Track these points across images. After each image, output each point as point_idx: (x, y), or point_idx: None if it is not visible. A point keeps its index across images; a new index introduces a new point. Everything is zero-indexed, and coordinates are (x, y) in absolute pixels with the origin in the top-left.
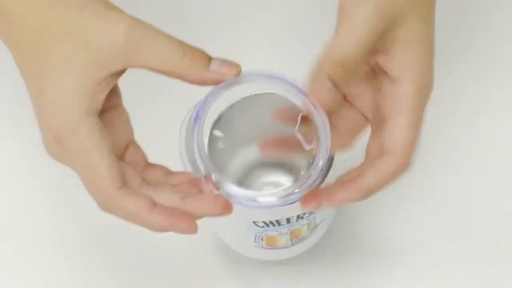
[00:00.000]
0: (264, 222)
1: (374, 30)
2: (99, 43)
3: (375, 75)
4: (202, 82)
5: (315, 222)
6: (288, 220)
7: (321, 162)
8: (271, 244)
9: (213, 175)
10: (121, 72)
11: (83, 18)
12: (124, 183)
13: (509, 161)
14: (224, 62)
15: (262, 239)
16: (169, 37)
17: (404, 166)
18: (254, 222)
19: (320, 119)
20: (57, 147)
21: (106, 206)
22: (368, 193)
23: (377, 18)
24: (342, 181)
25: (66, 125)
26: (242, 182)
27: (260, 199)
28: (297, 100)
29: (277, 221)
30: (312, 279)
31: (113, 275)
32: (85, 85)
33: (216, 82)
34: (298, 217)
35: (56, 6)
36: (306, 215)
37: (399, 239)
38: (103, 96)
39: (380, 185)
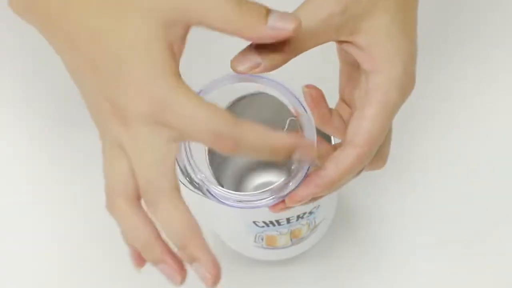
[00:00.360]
0: (264, 222)
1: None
2: (161, 5)
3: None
4: (259, 39)
5: (315, 222)
6: (288, 220)
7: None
8: (271, 244)
9: (198, 177)
10: (185, 33)
11: None
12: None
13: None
14: (282, 16)
15: (262, 239)
16: None
17: (363, 157)
18: (254, 222)
19: (307, 120)
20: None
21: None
22: (330, 186)
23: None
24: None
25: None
26: (239, 183)
27: (246, 200)
28: (285, 100)
29: (277, 221)
30: (313, 279)
31: (113, 271)
32: (161, 52)
33: (273, 39)
34: (298, 217)
35: None
36: (306, 215)
37: (401, 238)
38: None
39: (341, 177)
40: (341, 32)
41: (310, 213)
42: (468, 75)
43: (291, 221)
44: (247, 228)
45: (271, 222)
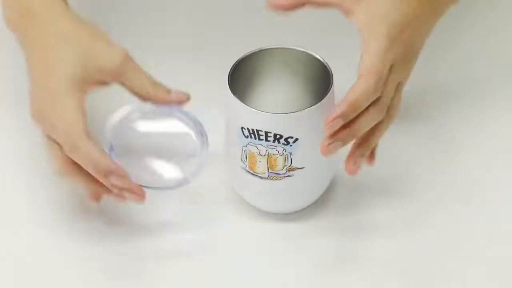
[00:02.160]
0: (248, 130)
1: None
2: (102, 57)
3: None
4: (165, 102)
5: (291, 161)
6: (266, 136)
7: None
8: (252, 167)
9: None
10: (106, 83)
11: (93, 37)
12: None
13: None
14: (179, 91)
15: (246, 158)
16: (147, 74)
17: (369, 81)
18: (241, 128)
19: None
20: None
21: (72, 148)
22: (352, 107)
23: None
24: None
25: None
26: None
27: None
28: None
29: (258, 132)
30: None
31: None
32: (79, 77)
33: (176, 101)
34: (275, 137)
35: (76, 21)
36: (283, 141)
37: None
38: (89, 89)
39: (357, 99)
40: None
41: (287, 142)
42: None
43: (269, 138)
44: (238, 138)
45: (253, 132)
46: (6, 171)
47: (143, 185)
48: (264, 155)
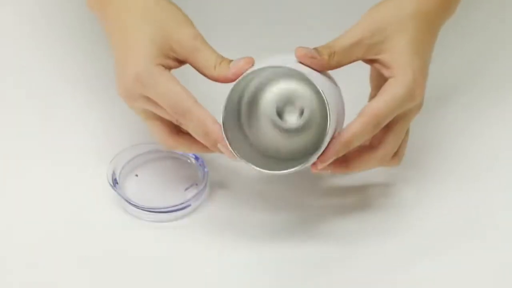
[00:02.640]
0: None
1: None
2: (176, 35)
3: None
4: (227, 81)
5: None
6: None
7: None
8: None
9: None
10: (179, 61)
11: (167, 16)
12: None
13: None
14: (239, 62)
15: None
16: (214, 54)
17: (367, 124)
18: None
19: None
20: (137, 85)
21: (178, 111)
22: (345, 144)
23: (367, 26)
24: None
25: (151, 68)
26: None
27: None
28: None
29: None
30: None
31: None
32: (155, 56)
33: (236, 77)
34: None
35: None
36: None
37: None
38: (169, 64)
39: (352, 138)
40: (369, 52)
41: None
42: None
43: None
44: None
45: None
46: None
47: (147, 209)
48: None
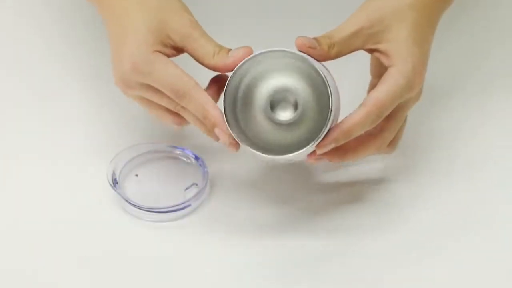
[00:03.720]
0: None
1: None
2: (172, 23)
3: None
4: (226, 71)
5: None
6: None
7: None
8: None
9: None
10: (178, 50)
11: (164, 4)
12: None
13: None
14: (238, 51)
15: None
16: (211, 43)
17: (368, 114)
18: None
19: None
20: (134, 73)
21: (179, 93)
22: (345, 134)
23: (366, 16)
24: None
25: (147, 56)
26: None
27: None
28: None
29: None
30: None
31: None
32: (151, 44)
33: (235, 65)
34: None
35: None
36: None
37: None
38: (166, 52)
39: (352, 128)
40: (368, 41)
41: None
42: None
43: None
44: None
45: None
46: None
47: (147, 209)
48: None
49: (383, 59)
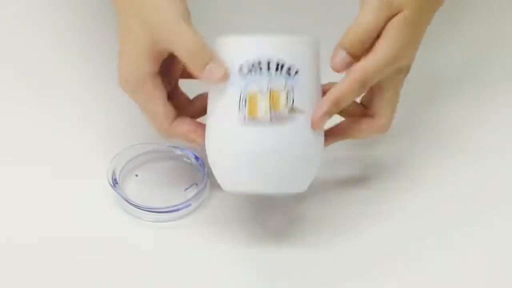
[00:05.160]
0: (248, 66)
1: (376, 18)
2: (159, 34)
3: None
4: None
5: (293, 99)
6: (268, 66)
7: None
8: (252, 112)
9: None
10: (166, 54)
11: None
12: (172, 120)
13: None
14: (213, 69)
15: (245, 103)
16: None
17: (356, 80)
18: (240, 66)
19: None
20: (125, 86)
21: (160, 133)
22: (333, 104)
23: (379, 10)
24: None
25: (137, 78)
26: None
27: None
28: None
29: (259, 64)
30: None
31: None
32: (146, 54)
33: (208, 80)
34: (277, 65)
35: None
36: (285, 69)
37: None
38: (158, 64)
39: (343, 93)
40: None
41: (289, 73)
42: None
43: (270, 67)
44: (233, 83)
45: (254, 65)
46: None
47: (147, 209)
48: (266, 92)
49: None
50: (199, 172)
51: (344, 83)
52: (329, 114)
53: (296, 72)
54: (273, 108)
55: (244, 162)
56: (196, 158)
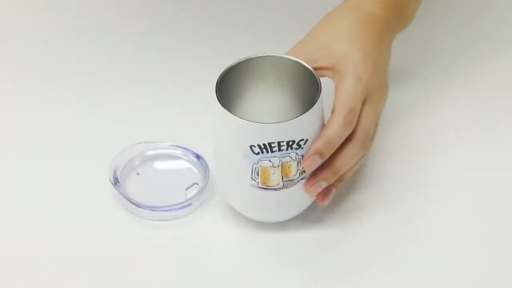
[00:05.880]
0: (259, 146)
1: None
2: None
3: None
4: None
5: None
6: (279, 146)
7: None
8: (265, 182)
9: None
10: None
11: None
12: None
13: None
14: None
15: (257, 174)
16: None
17: (341, 116)
18: (251, 147)
19: None
20: None
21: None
22: (324, 142)
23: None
24: None
25: None
26: None
27: None
28: None
29: (270, 145)
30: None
31: None
32: None
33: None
34: (287, 144)
35: None
36: (295, 146)
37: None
38: None
39: (328, 135)
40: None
41: (299, 145)
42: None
43: (281, 147)
44: (245, 158)
45: (265, 146)
46: None
47: (148, 207)
48: (278, 166)
49: (327, 73)
50: (200, 171)
51: (333, 121)
52: (320, 155)
53: (306, 141)
54: (285, 177)
55: (249, 211)
56: (197, 157)
